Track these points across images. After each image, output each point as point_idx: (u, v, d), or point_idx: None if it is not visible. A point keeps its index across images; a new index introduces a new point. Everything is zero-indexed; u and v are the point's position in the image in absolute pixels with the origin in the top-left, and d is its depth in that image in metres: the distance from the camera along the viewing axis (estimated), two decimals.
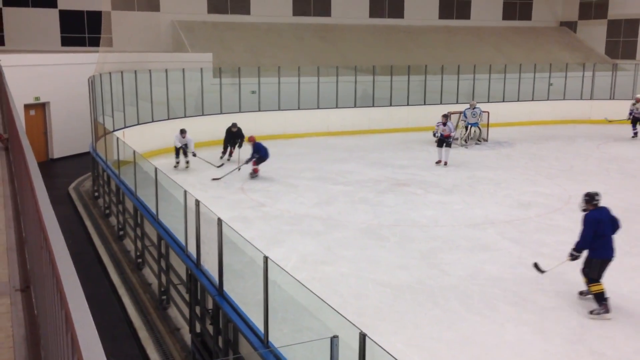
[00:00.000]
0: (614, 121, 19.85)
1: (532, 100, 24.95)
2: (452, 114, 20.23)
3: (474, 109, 19.31)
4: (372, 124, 21.98)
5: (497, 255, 9.62)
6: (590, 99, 25.29)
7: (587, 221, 7.40)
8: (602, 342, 6.79)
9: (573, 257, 7.53)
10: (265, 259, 5.48)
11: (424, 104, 23.05)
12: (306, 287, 5.17)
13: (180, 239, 7.80)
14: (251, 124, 20.26)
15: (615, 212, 12.02)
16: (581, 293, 7.78)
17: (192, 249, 7.27)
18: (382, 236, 10.51)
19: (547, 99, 25.19)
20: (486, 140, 20.04)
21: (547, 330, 7.07)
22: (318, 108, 21.55)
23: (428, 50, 27.52)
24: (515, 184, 14.24)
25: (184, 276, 7.74)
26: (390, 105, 22.78)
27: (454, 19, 30.52)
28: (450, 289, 8.31)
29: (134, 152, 10.33)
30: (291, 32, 26.77)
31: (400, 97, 23.06)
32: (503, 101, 24.27)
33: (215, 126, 19.57)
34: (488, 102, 23.42)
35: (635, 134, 19.32)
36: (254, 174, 14.73)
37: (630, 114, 19.09)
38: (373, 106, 22.56)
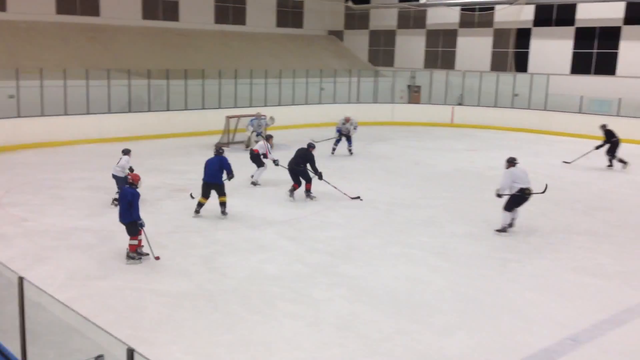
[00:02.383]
0: (320, 141, 20.70)
1: (306, 104, 26.34)
2: (238, 116, 20.32)
3: (260, 119, 19.32)
4: (148, 129, 21.27)
5: (276, 254, 9.91)
6: (357, 102, 27.47)
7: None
8: (368, 326, 7.35)
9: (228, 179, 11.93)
10: (20, 279, 5.00)
11: (203, 109, 22.97)
12: (68, 306, 4.78)
13: None
14: (10, 132, 18.37)
15: (380, 206, 13.14)
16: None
17: None
18: (161, 244, 10.18)
19: (320, 103, 26.80)
20: None
21: (321, 321, 7.46)
22: (88, 113, 20.23)
23: (205, 54, 27.45)
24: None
25: None
26: (168, 109, 22.29)
27: (230, 24, 30.87)
28: (230, 291, 8.35)
29: None
30: (55, 32, 24.71)
31: (178, 102, 22.67)
32: (279, 105, 25.22)
33: None
34: (265, 105, 24.16)
35: (334, 149, 19.59)
36: (139, 254, 9.56)
37: (339, 131, 19.61)
38: (149, 111, 21.86)
